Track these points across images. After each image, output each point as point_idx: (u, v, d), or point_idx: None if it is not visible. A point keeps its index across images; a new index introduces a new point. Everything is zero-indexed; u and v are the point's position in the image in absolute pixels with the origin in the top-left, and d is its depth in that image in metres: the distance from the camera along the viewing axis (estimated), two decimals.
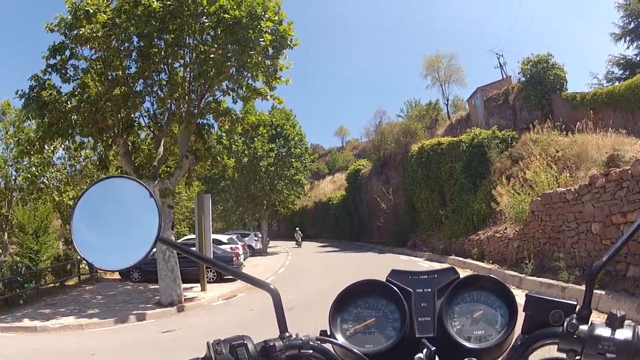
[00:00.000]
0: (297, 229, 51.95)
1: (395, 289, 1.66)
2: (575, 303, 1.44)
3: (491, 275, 1.71)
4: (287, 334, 1.52)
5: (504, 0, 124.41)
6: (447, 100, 53.47)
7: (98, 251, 1.52)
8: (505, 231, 20.76)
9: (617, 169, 13.43)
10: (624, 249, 11.26)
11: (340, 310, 1.70)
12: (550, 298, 1.47)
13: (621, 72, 32.48)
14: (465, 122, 41.73)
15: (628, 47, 32.37)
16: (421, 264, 25.64)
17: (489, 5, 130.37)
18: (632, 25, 31.66)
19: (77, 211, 1.54)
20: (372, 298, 1.71)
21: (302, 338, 1.50)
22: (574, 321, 1.37)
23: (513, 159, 25.24)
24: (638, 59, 31.89)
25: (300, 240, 50.40)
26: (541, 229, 17.18)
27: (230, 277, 22.61)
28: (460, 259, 23.70)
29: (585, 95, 27.75)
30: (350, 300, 1.72)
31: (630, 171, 12.43)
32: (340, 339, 1.63)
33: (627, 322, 1.35)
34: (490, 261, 20.82)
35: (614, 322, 1.32)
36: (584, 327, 1.35)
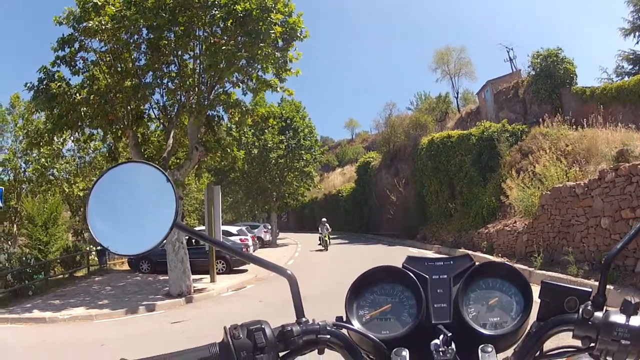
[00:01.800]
0: (324, 220, 36.96)
1: (412, 275, 1.67)
2: (590, 290, 1.44)
3: (506, 263, 1.72)
4: (303, 319, 1.53)
5: None
6: (457, 94, 53.38)
7: (114, 236, 1.53)
8: (514, 225, 20.71)
9: (627, 164, 13.42)
10: (632, 244, 11.25)
11: (357, 296, 1.71)
12: (566, 285, 1.49)
13: (631, 67, 32.26)
14: (475, 115, 41.65)
15: (638, 42, 32.09)
16: (431, 256, 25.59)
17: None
18: None
19: (92, 197, 1.55)
20: (388, 284, 1.72)
21: (320, 323, 1.51)
22: (589, 308, 1.38)
23: (523, 152, 25.17)
24: None
25: (327, 238, 35.80)
26: (550, 223, 17.15)
27: (240, 268, 22.70)
28: (469, 252, 23.48)
29: (595, 90, 27.63)
30: (366, 287, 1.73)
31: (639, 166, 12.41)
32: (356, 324, 1.63)
33: None
34: (499, 254, 20.77)
35: (629, 309, 1.34)
36: (599, 314, 1.37)
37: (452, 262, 1.71)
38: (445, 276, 1.67)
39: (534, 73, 32.04)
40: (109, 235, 1.53)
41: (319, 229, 36.80)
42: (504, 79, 38.92)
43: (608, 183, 13.70)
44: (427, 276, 1.67)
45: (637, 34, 31.80)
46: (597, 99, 26.07)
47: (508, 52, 44.30)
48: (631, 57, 32.21)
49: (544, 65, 30.79)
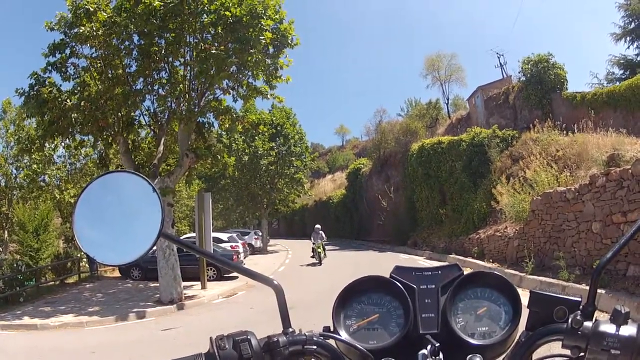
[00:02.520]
0: (318, 227, 30.64)
1: (399, 285, 1.66)
2: (579, 300, 1.44)
3: (495, 272, 1.70)
4: (290, 330, 1.52)
5: (504, 0, 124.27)
6: (448, 100, 53.64)
7: (100, 246, 1.52)
8: (505, 230, 20.77)
9: (618, 169, 13.48)
10: (624, 249, 11.27)
11: (344, 306, 1.69)
12: (555, 295, 1.48)
13: (621, 72, 32.50)
14: (465, 121, 41.78)
15: (628, 47, 32.42)
16: (421, 262, 25.62)
17: (489, 4, 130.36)
18: (632, 25, 31.65)
19: (79, 206, 1.53)
20: (376, 294, 1.71)
21: (306, 334, 1.50)
22: (578, 317, 1.38)
23: (513, 158, 25.29)
24: (638, 59, 31.87)
25: (320, 249, 29.59)
26: (541, 228, 17.21)
27: (231, 275, 22.69)
28: (460, 257, 23.65)
29: (586, 95, 27.83)
30: (354, 297, 1.71)
31: (630, 171, 12.46)
32: (343, 334, 1.62)
33: (630, 318, 1.36)
34: (491, 260, 20.81)
35: (619, 319, 1.33)
36: (588, 324, 1.36)
37: (440, 272, 1.71)
38: (433, 286, 1.67)
39: (524, 79, 32.21)
40: (96, 245, 1.52)
41: (312, 237, 30.50)
42: (495, 85, 39.11)
43: (599, 188, 13.76)
44: (414, 286, 1.67)
45: (628, 38, 32.04)
46: (587, 104, 26.24)
47: (499, 58, 44.63)
48: (622, 62, 32.42)
49: (534, 70, 30.96)
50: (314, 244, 30.10)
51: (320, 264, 28.52)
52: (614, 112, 24.34)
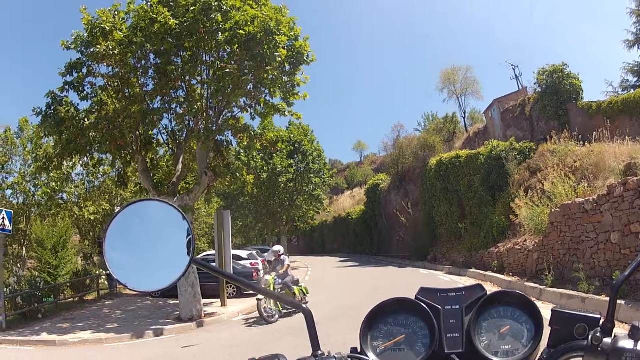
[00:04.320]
0: (277, 249, 18.70)
1: (425, 306, 1.71)
2: (599, 317, 1.50)
3: (517, 291, 1.76)
4: (319, 352, 1.56)
5: (518, 12, 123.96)
6: (464, 113, 53.27)
7: (131, 273, 1.56)
8: (524, 243, 20.61)
9: (635, 178, 13.38)
10: None
11: (371, 327, 1.74)
12: (575, 312, 1.54)
13: (636, 79, 32.18)
14: (482, 134, 41.64)
15: None
16: (441, 277, 25.49)
17: (503, 17, 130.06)
18: None
19: (109, 233, 1.57)
20: (402, 315, 1.76)
21: (335, 356, 1.54)
22: (598, 334, 1.44)
23: (531, 170, 25.11)
24: None
25: (274, 286, 16.65)
26: (560, 240, 17.07)
27: (251, 292, 22.64)
28: (480, 271, 23.56)
29: (601, 104, 27.70)
30: (381, 318, 1.76)
31: None
32: (371, 356, 1.68)
33: None
34: (510, 273, 20.64)
35: (637, 334, 1.38)
36: (607, 340, 1.42)
37: (464, 293, 1.76)
38: (458, 306, 1.72)
39: (540, 90, 32.09)
40: (126, 272, 1.56)
41: (266, 264, 23.34)
42: (511, 97, 38.93)
43: (617, 198, 13.65)
44: (439, 307, 1.72)
45: None
46: (603, 113, 26.11)
47: (514, 69, 44.40)
48: (636, 69, 32.13)
49: (549, 81, 30.87)
50: (264, 273, 22.15)
51: (274, 320, 16.01)
52: (629, 120, 24.19)
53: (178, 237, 1.56)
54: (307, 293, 18.23)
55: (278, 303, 16.27)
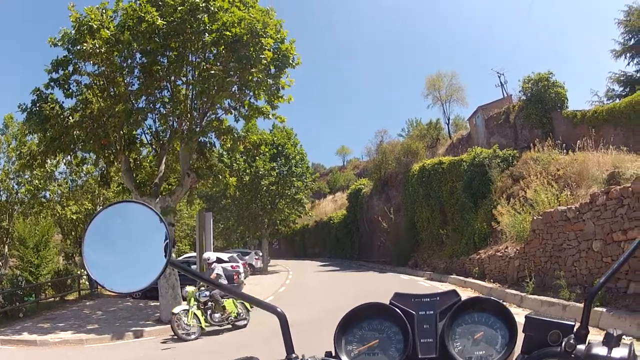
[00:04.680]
0: (207, 256, 16.96)
1: (399, 311, 1.71)
2: (573, 324, 1.51)
3: (491, 297, 1.77)
4: (293, 356, 1.57)
5: (505, 20, 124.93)
6: (448, 120, 53.54)
7: (109, 274, 1.56)
8: (506, 250, 20.70)
9: (618, 187, 13.45)
10: (624, 267, 11.27)
11: (345, 331, 1.74)
12: (549, 319, 1.54)
13: (621, 89, 32.39)
14: (466, 141, 41.84)
15: (629, 64, 32.23)
16: (422, 283, 25.57)
17: (489, 24, 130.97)
18: (632, 41, 31.54)
19: (88, 234, 1.58)
20: (376, 320, 1.76)
21: (309, 359, 1.55)
22: (571, 341, 1.45)
23: (514, 178, 25.23)
24: (638, 75, 31.73)
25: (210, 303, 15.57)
26: (542, 248, 17.15)
27: (230, 295, 22.67)
28: (461, 278, 23.67)
29: (586, 113, 27.87)
30: (355, 322, 1.76)
31: (630, 188, 12.45)
32: (345, 359, 1.68)
33: (623, 340, 1.41)
34: (491, 280, 20.74)
35: (611, 341, 1.39)
36: (581, 347, 1.43)
37: (438, 298, 1.76)
38: (432, 312, 1.72)
39: (525, 98, 32.25)
40: (105, 272, 1.56)
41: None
42: (495, 105, 39.15)
43: (599, 206, 13.73)
44: (413, 312, 1.72)
45: (627, 55, 31.92)
46: (588, 122, 26.30)
47: (499, 77, 44.67)
48: (622, 78, 32.34)
49: (534, 89, 31.04)
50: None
51: (192, 338, 14.72)
52: (614, 130, 24.36)
53: (156, 239, 1.57)
54: (251, 308, 15.84)
55: (205, 317, 14.99)
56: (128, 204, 1.66)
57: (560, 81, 31.22)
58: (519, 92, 33.68)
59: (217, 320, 15.34)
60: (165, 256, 1.53)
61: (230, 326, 15.64)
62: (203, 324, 14.84)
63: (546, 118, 30.41)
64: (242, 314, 15.75)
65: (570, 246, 15.25)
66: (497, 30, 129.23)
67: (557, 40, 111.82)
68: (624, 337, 1.42)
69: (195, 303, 15.02)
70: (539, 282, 16.56)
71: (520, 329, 1.61)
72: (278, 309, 1.61)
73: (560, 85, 30.92)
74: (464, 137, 44.37)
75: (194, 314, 14.79)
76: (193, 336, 14.60)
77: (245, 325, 15.72)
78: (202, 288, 15.30)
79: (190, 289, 15.27)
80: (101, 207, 29.54)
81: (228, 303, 15.45)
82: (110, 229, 1.60)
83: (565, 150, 23.48)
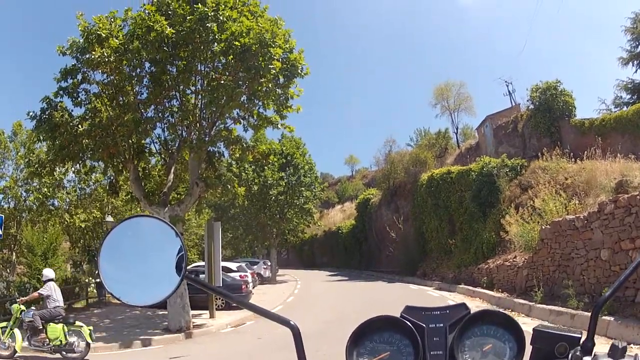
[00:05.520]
0: (45, 272, 14.97)
1: (409, 324, 1.73)
2: (579, 336, 1.53)
3: (500, 310, 1.81)
4: None
5: (512, 29, 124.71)
6: (457, 129, 53.45)
7: (125, 287, 1.59)
8: (514, 259, 20.65)
9: (626, 195, 13.43)
10: (632, 275, 11.22)
11: (357, 344, 1.75)
12: (556, 331, 1.57)
13: (629, 96, 32.21)
14: (474, 150, 41.71)
15: (636, 71, 32.06)
16: (431, 293, 25.51)
17: (497, 33, 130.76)
18: (639, 48, 31.51)
19: (105, 247, 1.61)
20: (387, 333, 1.77)
21: None
22: (578, 353, 1.48)
23: (522, 187, 25.17)
24: None
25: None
26: (550, 257, 17.11)
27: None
28: (469, 287, 23.61)
29: (594, 121, 27.82)
30: (366, 335, 1.77)
31: (638, 197, 12.44)
32: None
33: (628, 352, 1.45)
34: (500, 290, 20.65)
35: (616, 353, 1.41)
36: (587, 359, 1.45)
37: (448, 311, 1.77)
38: (442, 325, 1.73)
39: (533, 107, 32.14)
40: (120, 286, 1.59)
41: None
42: (503, 114, 39.06)
43: (607, 215, 13.70)
44: (424, 325, 1.73)
45: (635, 62, 31.74)
46: (595, 131, 26.23)
47: (507, 86, 44.56)
48: (629, 86, 32.18)
49: (542, 98, 30.94)
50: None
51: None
52: (622, 138, 24.28)
53: (171, 253, 1.60)
54: (92, 339, 13.69)
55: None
56: (144, 218, 1.70)
57: (568, 89, 31.13)
58: (527, 101, 33.54)
59: (35, 344, 13.41)
60: (180, 271, 1.57)
61: (59, 355, 13.46)
62: (18, 344, 13.23)
63: (554, 127, 30.31)
64: (74, 344, 13.42)
65: (579, 255, 15.21)
66: (504, 39, 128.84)
67: (564, 48, 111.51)
68: (631, 346, 1.46)
69: (18, 321, 13.46)
70: (547, 291, 16.51)
71: (528, 340, 1.63)
72: (291, 322, 1.63)
73: (568, 93, 30.80)
74: (472, 146, 44.25)
75: (12, 332, 13.36)
76: (5, 353, 13.15)
77: (80, 359, 13.41)
78: (30, 308, 13.93)
79: (15, 306, 13.73)
80: (110, 215, 29.78)
81: (52, 330, 13.21)
82: (126, 243, 1.63)
83: (573, 159, 23.41)
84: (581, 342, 1.52)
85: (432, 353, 1.68)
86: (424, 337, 1.70)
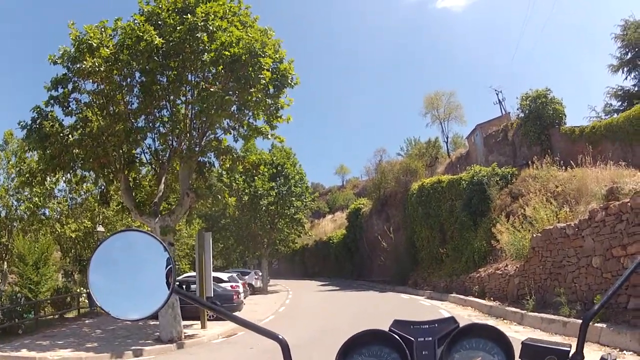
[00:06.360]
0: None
1: (398, 337, 1.72)
2: (568, 349, 1.54)
3: (488, 324, 1.81)
4: None
5: (502, 37, 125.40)
6: (447, 138, 53.71)
7: (114, 300, 1.59)
8: (505, 268, 20.69)
9: (617, 202, 13.48)
10: (625, 283, 11.24)
11: (345, 357, 1.75)
12: (545, 345, 1.58)
13: (619, 103, 32.33)
14: (465, 159, 41.91)
15: (626, 78, 32.16)
16: (422, 302, 25.54)
17: (487, 42, 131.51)
18: (629, 55, 31.53)
19: (94, 261, 1.61)
20: (376, 346, 1.76)
21: None
22: None
23: (513, 195, 25.24)
24: (636, 89, 31.73)
25: None
26: (542, 265, 17.14)
27: None
28: (461, 296, 23.65)
29: (584, 129, 27.90)
30: (355, 349, 1.76)
31: (629, 204, 12.47)
32: None
33: None
34: (491, 298, 20.67)
35: None
36: None
37: (436, 325, 1.77)
38: (430, 338, 1.72)
39: (523, 115, 32.27)
40: (110, 300, 1.59)
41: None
42: (494, 122, 39.29)
43: (598, 222, 13.74)
44: (412, 339, 1.73)
45: (625, 69, 31.88)
46: (586, 138, 26.30)
47: (497, 94, 44.81)
48: (619, 93, 32.28)
49: (533, 106, 31.07)
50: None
51: None
52: (612, 145, 24.38)
53: (160, 266, 1.61)
54: None
55: None
56: (133, 232, 1.68)
57: (558, 97, 31.32)
58: (517, 109, 33.68)
59: None
60: (169, 285, 1.58)
61: None
62: None
63: (544, 135, 30.43)
64: None
65: (570, 263, 15.25)
66: (494, 48, 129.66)
67: (555, 56, 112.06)
68: (624, 353, 1.46)
69: None
70: (539, 299, 16.54)
71: (517, 354, 1.64)
72: (279, 336, 1.64)
73: (558, 101, 30.97)
74: (462, 155, 44.47)
75: None
76: None
77: None
78: None
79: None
80: (101, 225, 29.71)
81: None
82: (115, 257, 1.62)
83: (564, 167, 23.47)
84: (570, 355, 1.53)
85: None
86: (413, 350, 1.69)
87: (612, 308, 12.07)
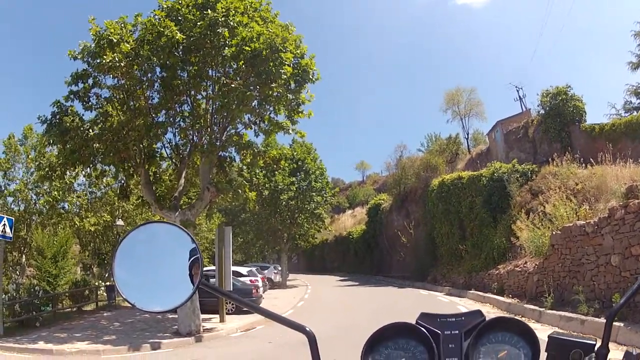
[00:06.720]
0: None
1: (424, 330, 1.74)
2: (594, 343, 1.55)
3: (515, 317, 1.81)
4: None
5: (523, 34, 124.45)
6: (467, 134, 53.42)
7: (140, 293, 1.60)
8: (525, 265, 20.57)
9: (636, 200, 13.37)
10: None
11: (372, 350, 1.77)
12: (571, 338, 1.59)
13: (639, 101, 32.12)
14: (485, 155, 41.60)
15: None
16: (441, 298, 25.45)
17: (508, 38, 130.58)
18: None
19: (119, 253, 1.62)
20: (403, 339, 1.78)
21: None
22: None
23: (533, 192, 25.11)
24: None
25: None
26: (561, 263, 17.03)
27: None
28: (480, 293, 23.58)
29: (604, 126, 27.72)
30: (382, 341, 1.78)
31: None
32: None
33: None
34: (510, 295, 20.60)
35: None
36: None
37: (463, 318, 1.78)
38: (457, 332, 1.74)
39: (543, 112, 32.13)
40: (135, 292, 1.60)
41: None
42: (514, 119, 39.02)
43: (618, 220, 13.64)
44: (439, 332, 1.74)
45: None
46: (606, 136, 26.12)
47: (518, 91, 44.55)
48: (639, 91, 32.06)
49: (553, 103, 30.91)
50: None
51: None
52: (632, 143, 24.22)
53: (185, 259, 1.61)
54: None
55: None
56: (158, 224, 1.70)
57: (578, 94, 31.11)
58: (538, 106, 33.56)
59: None
60: (196, 278, 1.59)
61: None
62: None
63: (565, 132, 30.24)
64: None
65: (589, 261, 15.14)
66: (514, 45, 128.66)
67: (574, 53, 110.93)
68: None
69: None
70: (557, 297, 16.44)
71: (542, 347, 1.64)
72: (307, 328, 1.65)
73: (578, 98, 30.76)
74: (483, 151, 44.17)
75: None
76: None
77: None
78: None
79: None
80: (120, 219, 29.85)
81: None
82: (140, 249, 1.64)
83: (583, 164, 23.33)
84: (596, 349, 1.54)
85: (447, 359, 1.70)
86: (439, 343, 1.71)
87: (630, 307, 11.99)
